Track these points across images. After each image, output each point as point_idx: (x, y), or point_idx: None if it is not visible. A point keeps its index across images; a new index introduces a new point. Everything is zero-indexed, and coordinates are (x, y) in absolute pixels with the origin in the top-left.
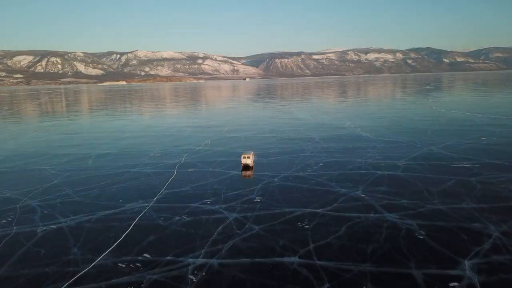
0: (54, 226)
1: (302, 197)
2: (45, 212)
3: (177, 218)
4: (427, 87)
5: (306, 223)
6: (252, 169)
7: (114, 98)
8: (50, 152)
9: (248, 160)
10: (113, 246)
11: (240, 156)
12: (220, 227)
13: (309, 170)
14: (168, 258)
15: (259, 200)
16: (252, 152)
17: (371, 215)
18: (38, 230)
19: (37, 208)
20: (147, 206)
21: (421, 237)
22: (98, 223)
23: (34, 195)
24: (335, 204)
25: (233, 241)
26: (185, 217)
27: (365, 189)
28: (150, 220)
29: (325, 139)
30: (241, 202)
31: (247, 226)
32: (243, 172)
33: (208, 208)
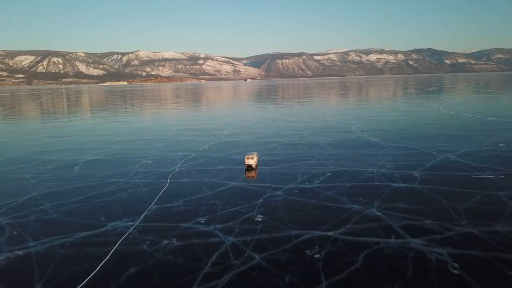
0: (21, 252)
1: (310, 216)
2: (14, 233)
3: (165, 242)
4: (431, 88)
5: (316, 250)
6: (255, 169)
7: (113, 98)
8: (36, 158)
9: (252, 161)
10: (84, 282)
11: (239, 164)
12: (214, 256)
13: (316, 182)
14: None
15: (260, 219)
16: (255, 153)
17: (392, 240)
18: (1, 258)
19: (6, 228)
20: (132, 225)
21: (456, 271)
22: (73, 248)
23: (7, 211)
24: (348, 225)
25: (229, 276)
26: (174, 241)
27: (381, 205)
28: (134, 244)
29: (331, 144)
30: (240, 221)
31: (246, 254)
32: (246, 173)
33: (201, 229)
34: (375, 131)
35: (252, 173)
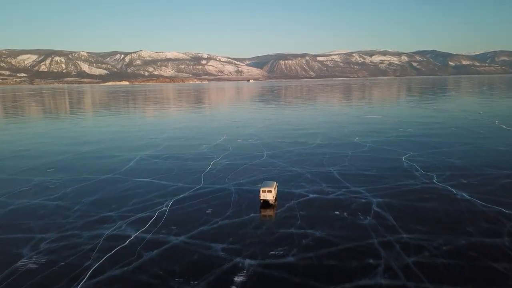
0: None
1: None
2: None
3: None
4: (453, 93)
5: None
6: (274, 205)
7: (99, 101)
8: None
9: (269, 195)
10: None
11: (221, 281)
12: None
13: None
14: None
15: None
16: (274, 184)
17: None
18: None
19: None
20: None
21: None
22: None
23: None
24: None
25: None
26: None
27: None
28: None
29: (390, 205)
30: None
31: None
32: (262, 211)
33: None
34: (445, 171)
35: (269, 212)
